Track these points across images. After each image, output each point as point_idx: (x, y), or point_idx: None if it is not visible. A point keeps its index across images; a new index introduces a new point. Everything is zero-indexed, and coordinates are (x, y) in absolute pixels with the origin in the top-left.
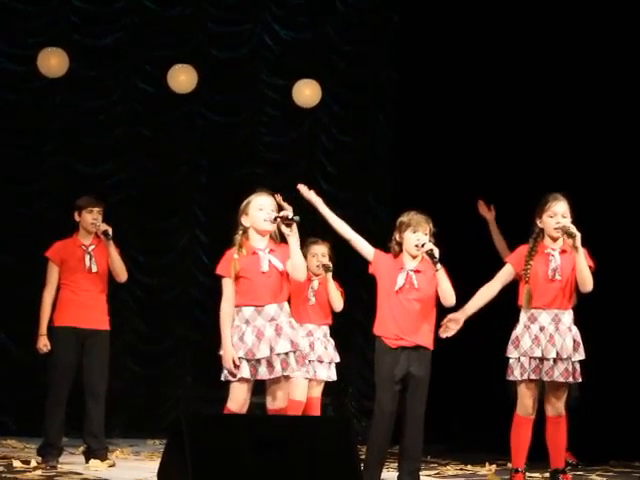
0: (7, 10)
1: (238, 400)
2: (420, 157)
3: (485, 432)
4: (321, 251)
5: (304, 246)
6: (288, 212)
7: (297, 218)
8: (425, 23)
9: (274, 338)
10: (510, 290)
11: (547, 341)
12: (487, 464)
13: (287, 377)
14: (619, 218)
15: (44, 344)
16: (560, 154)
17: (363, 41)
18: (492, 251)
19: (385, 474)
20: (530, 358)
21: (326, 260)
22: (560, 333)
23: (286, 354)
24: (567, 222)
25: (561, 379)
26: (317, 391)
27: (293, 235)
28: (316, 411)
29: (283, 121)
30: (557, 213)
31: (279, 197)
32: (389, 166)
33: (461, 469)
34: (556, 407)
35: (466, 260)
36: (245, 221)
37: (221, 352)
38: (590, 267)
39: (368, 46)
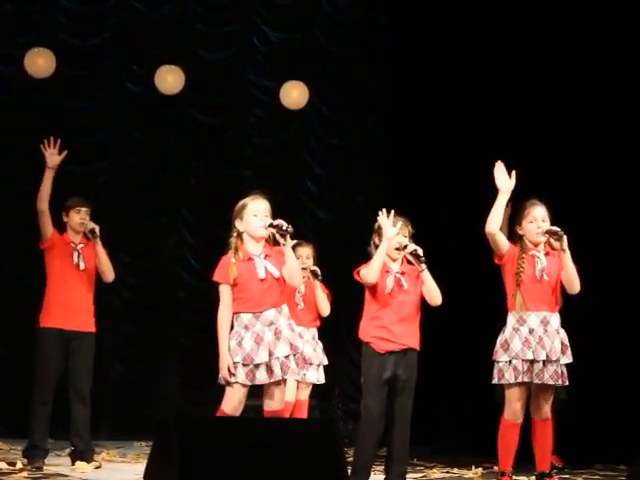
0: None
1: (233, 403)
2: (408, 158)
3: (472, 435)
4: (305, 253)
5: None
6: (282, 222)
7: (291, 229)
8: (412, 24)
9: (273, 342)
10: (497, 294)
11: (537, 343)
12: (473, 467)
13: (285, 380)
14: (605, 221)
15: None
16: (550, 157)
17: (351, 42)
18: (480, 252)
19: (372, 477)
20: (522, 361)
21: (310, 262)
22: (549, 335)
23: (286, 357)
24: (547, 226)
25: (551, 382)
26: (305, 393)
27: (288, 244)
28: (303, 413)
29: (271, 122)
30: (537, 218)
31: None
32: (377, 167)
33: (447, 472)
34: (543, 410)
35: (454, 261)
36: (239, 225)
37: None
38: None
39: (356, 47)
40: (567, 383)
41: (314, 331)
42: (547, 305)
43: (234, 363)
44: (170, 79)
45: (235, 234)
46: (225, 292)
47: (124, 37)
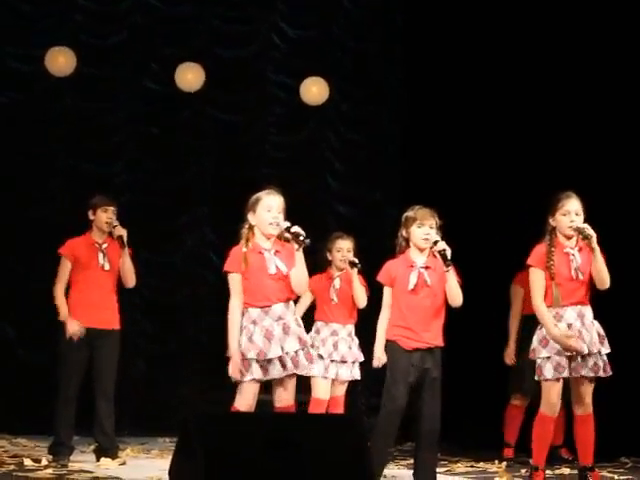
0: (13, 10)
1: (247, 400)
2: (428, 154)
3: (496, 429)
4: (346, 246)
5: (329, 240)
6: (300, 231)
7: (308, 241)
8: (430, 20)
9: (283, 337)
10: None
11: (577, 337)
12: (497, 461)
13: (292, 375)
14: (633, 215)
15: (77, 327)
16: (569, 149)
17: (370, 39)
18: (501, 248)
19: (397, 471)
20: (565, 356)
21: (351, 255)
22: (587, 328)
23: (295, 352)
24: (581, 220)
25: (591, 374)
26: (341, 390)
27: (300, 251)
28: (340, 409)
29: (291, 119)
30: (570, 211)
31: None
32: (397, 163)
33: (472, 466)
34: (585, 404)
35: (476, 257)
36: (252, 219)
37: (229, 354)
38: None
39: (375, 44)
40: (610, 373)
41: (351, 328)
42: (582, 299)
43: (248, 359)
44: (190, 76)
45: (247, 226)
46: (236, 280)
47: (143, 35)
